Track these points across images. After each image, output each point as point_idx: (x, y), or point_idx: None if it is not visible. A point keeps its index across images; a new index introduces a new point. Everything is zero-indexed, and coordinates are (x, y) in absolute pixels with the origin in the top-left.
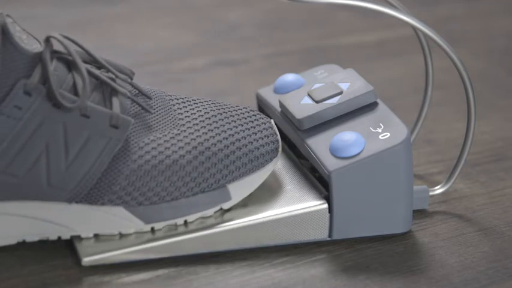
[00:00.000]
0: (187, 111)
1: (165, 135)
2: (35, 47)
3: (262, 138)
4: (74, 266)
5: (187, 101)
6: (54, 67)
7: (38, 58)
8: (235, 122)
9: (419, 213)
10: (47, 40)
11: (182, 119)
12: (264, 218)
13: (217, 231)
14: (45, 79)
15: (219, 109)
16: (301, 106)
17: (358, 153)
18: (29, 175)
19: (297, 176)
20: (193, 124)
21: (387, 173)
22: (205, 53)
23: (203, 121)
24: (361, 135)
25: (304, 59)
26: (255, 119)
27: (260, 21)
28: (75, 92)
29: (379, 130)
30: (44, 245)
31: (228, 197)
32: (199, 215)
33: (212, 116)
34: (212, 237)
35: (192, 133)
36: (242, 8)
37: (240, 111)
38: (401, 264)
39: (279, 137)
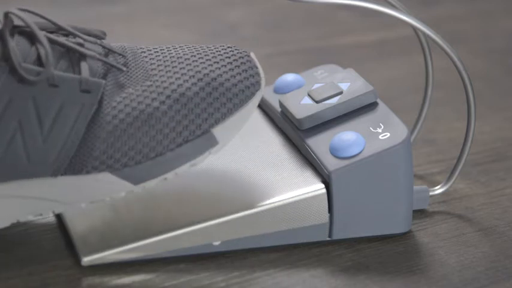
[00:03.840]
0: (160, 60)
1: (137, 89)
2: None
3: (240, 74)
4: (74, 266)
5: (160, 49)
6: (17, 42)
7: None
8: (209, 60)
9: (419, 213)
10: (5, 16)
11: (154, 68)
12: (263, 206)
13: (217, 222)
14: (6, 56)
15: (192, 51)
16: (301, 106)
17: (358, 153)
18: (7, 155)
19: (294, 161)
20: (166, 72)
21: (387, 173)
22: None
23: (175, 66)
24: (361, 135)
25: (304, 59)
26: (231, 54)
27: (260, 21)
28: (40, 63)
29: (379, 130)
30: (44, 245)
31: (214, 142)
32: (188, 165)
33: (185, 59)
34: (211, 229)
35: (165, 81)
36: (242, 8)
37: (216, 48)
38: (401, 264)
39: (259, 69)
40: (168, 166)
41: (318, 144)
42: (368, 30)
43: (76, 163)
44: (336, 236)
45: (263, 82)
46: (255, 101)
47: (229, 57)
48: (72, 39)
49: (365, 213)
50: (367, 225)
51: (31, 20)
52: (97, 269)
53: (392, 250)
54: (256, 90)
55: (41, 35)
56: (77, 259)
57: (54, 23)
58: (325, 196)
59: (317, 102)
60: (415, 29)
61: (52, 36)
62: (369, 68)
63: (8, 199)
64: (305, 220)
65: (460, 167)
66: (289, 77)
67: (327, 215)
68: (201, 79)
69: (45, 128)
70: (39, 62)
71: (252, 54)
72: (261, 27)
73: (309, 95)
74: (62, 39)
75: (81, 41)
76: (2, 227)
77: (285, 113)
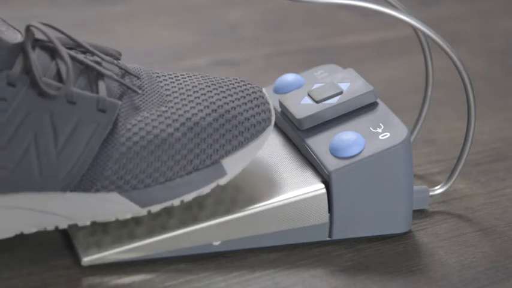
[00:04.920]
0: (175, 87)
1: (152, 113)
2: (15, 37)
3: (253, 108)
4: (74, 266)
5: (175, 76)
6: (37, 56)
7: (19, 48)
8: (224, 92)
9: (419, 213)
10: (27, 29)
11: (169, 95)
12: (262, 206)
13: (216, 222)
14: (28, 69)
15: (207, 81)
16: (301, 106)
17: (358, 153)
18: (20, 166)
19: (294, 161)
20: (181, 99)
21: (387, 173)
22: (205, 53)
23: (190, 95)
24: (361, 135)
25: (304, 59)
26: (245, 89)
27: (260, 21)
28: (59, 79)
29: (379, 130)
30: (44, 245)
31: (223, 173)
32: (195, 193)
33: (200, 89)
34: (211, 229)
35: (180, 108)
36: (242, 8)
37: (230, 81)
38: (401, 264)
39: (271, 105)
40: (176, 192)
41: (318, 144)
42: (368, 30)
43: (86, 181)
44: (336, 236)
45: (273, 119)
46: (265, 136)
47: (242, 91)
48: (90, 57)
49: (365, 213)
50: (367, 225)
51: (53, 35)
52: (97, 269)
53: (392, 250)
54: (267, 126)
55: (64, 51)
56: (77, 259)
57: (73, 39)
58: (325, 196)
59: (317, 102)
60: (415, 29)
61: (71, 52)
62: (369, 68)
63: (14, 210)
64: (305, 220)
65: (460, 167)
66: (289, 77)
67: (327, 215)
68: (215, 110)
69: (59, 143)
70: (58, 77)
71: (264, 90)
72: (261, 27)
73: (309, 95)
74: (81, 56)
75: (98, 59)
76: (5, 237)
77: (285, 113)
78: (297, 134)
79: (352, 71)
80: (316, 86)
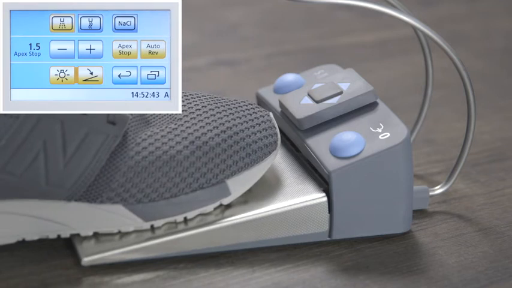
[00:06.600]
0: (185, 105)
1: (162, 130)
2: None
3: (261, 132)
4: (74, 266)
5: (185, 95)
6: None
7: None
8: (233, 114)
9: (419, 213)
10: None
11: None
12: (263, 212)
13: (218, 227)
14: None
15: (217, 103)
16: (301, 106)
17: (358, 153)
18: (27, 173)
19: (296, 169)
20: (191, 118)
21: (387, 173)
22: (205, 53)
23: (200, 115)
24: (361, 135)
25: (304, 59)
26: (253, 112)
27: (260, 21)
28: None
29: (379, 130)
30: (43, 245)
31: (227, 193)
32: (199, 211)
33: (210, 109)
34: (212, 233)
35: (190, 127)
36: (242, 8)
37: (238, 104)
38: (401, 264)
39: (277, 130)
40: (180, 209)
41: (318, 144)
42: (368, 30)
43: (92, 191)
44: (336, 236)
45: (279, 143)
46: (270, 160)
47: (250, 114)
48: None
49: (365, 213)
50: (367, 225)
51: None
52: (97, 269)
53: (392, 250)
54: (273, 150)
55: None
56: (77, 259)
57: None
58: (326, 205)
59: (317, 102)
60: (415, 29)
61: None
62: (369, 68)
63: (18, 216)
64: (305, 228)
65: (460, 167)
66: (289, 77)
67: (327, 223)
68: (224, 131)
69: (68, 152)
70: None
71: (271, 114)
72: (261, 27)
73: (309, 95)
74: None
75: None
76: (6, 243)
77: (285, 113)
78: (297, 134)
79: (352, 71)
80: (316, 86)
